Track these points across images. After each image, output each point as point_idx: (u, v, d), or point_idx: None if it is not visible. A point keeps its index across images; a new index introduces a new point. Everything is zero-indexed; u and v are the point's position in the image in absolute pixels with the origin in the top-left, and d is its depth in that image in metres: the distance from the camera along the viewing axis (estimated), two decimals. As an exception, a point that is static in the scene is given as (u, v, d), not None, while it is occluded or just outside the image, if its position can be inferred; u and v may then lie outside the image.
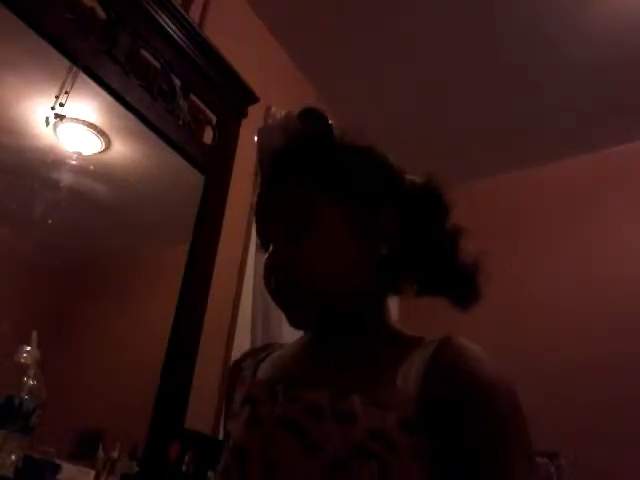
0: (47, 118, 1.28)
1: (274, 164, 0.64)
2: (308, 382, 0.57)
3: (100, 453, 1.25)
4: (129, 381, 1.44)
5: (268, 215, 0.64)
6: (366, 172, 0.63)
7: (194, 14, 1.69)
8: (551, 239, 2.45)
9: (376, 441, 0.49)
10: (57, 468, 1.11)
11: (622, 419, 1.94)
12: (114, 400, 1.38)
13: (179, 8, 1.54)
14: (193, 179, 1.63)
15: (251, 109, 1.81)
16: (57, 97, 1.27)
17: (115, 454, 1.27)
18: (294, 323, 0.62)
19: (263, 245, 0.65)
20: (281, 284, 0.61)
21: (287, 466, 0.52)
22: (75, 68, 1.28)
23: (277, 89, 2.16)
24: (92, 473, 1.22)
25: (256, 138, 0.67)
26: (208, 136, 1.71)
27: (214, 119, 1.72)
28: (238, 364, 0.72)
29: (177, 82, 1.58)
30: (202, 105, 1.69)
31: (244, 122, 1.80)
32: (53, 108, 1.26)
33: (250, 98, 1.79)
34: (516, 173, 2.64)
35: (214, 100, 1.72)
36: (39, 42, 1.22)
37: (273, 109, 2.08)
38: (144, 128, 1.48)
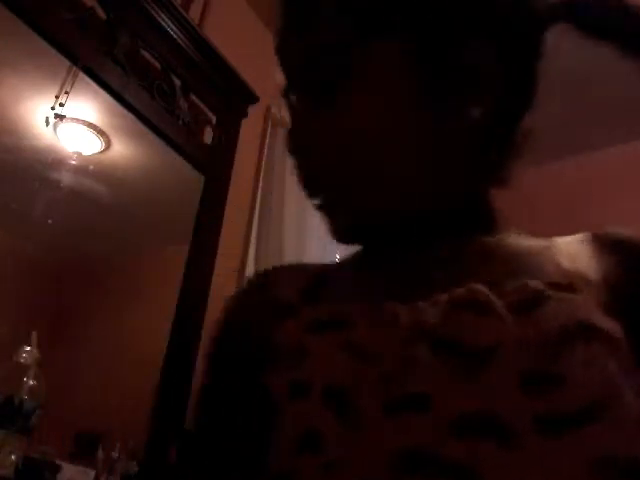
0: (47, 118, 1.28)
1: None
2: (428, 286, 0.38)
3: (100, 453, 1.25)
4: (129, 381, 1.44)
5: (290, 61, 0.44)
6: None
7: (194, 14, 1.69)
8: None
9: (579, 329, 0.33)
10: (57, 468, 1.11)
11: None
12: (114, 400, 1.38)
13: (179, 8, 1.54)
14: (193, 179, 1.62)
15: (251, 109, 1.81)
16: (57, 97, 1.26)
17: (115, 454, 1.27)
18: (336, 234, 0.44)
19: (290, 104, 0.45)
20: (306, 174, 0.42)
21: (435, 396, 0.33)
22: (75, 68, 1.28)
23: (277, 89, 2.16)
24: (92, 473, 1.22)
25: None
26: (208, 136, 1.71)
27: (214, 119, 1.72)
28: (267, 281, 0.48)
29: (177, 82, 1.58)
30: (202, 105, 1.69)
31: (244, 122, 1.80)
32: (53, 108, 1.26)
33: (250, 98, 1.78)
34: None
35: (214, 100, 1.72)
36: (39, 42, 1.22)
37: (273, 109, 2.08)
38: (144, 128, 1.47)
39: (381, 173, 0.40)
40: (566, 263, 0.38)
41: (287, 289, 0.45)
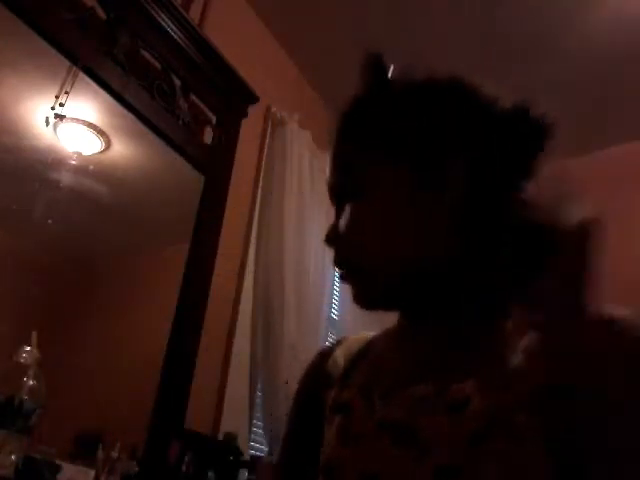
0: (47, 118, 1.28)
1: (341, 120, 0.59)
2: (408, 380, 0.49)
3: (100, 453, 1.25)
4: (129, 381, 1.44)
5: (330, 180, 0.59)
6: (426, 121, 0.53)
7: (194, 14, 1.69)
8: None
9: (496, 426, 0.42)
10: (57, 468, 1.11)
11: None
12: (114, 400, 1.38)
13: (179, 8, 1.54)
14: (193, 179, 1.63)
15: (251, 109, 1.81)
16: (57, 97, 1.27)
17: (115, 454, 1.27)
18: (356, 301, 0.56)
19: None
20: (335, 260, 0.57)
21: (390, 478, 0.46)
22: (75, 68, 1.28)
23: (277, 89, 2.16)
24: (92, 473, 1.22)
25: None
26: (208, 136, 1.71)
27: (214, 119, 1.72)
28: (326, 355, 0.62)
29: (177, 82, 1.58)
30: (202, 105, 1.69)
31: (244, 122, 1.80)
32: (53, 108, 1.26)
33: (250, 98, 1.78)
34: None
35: (214, 100, 1.72)
36: (39, 42, 1.22)
37: (273, 109, 2.08)
38: (144, 128, 1.47)
39: (390, 250, 0.53)
40: (516, 360, 0.45)
41: (337, 362, 0.60)
